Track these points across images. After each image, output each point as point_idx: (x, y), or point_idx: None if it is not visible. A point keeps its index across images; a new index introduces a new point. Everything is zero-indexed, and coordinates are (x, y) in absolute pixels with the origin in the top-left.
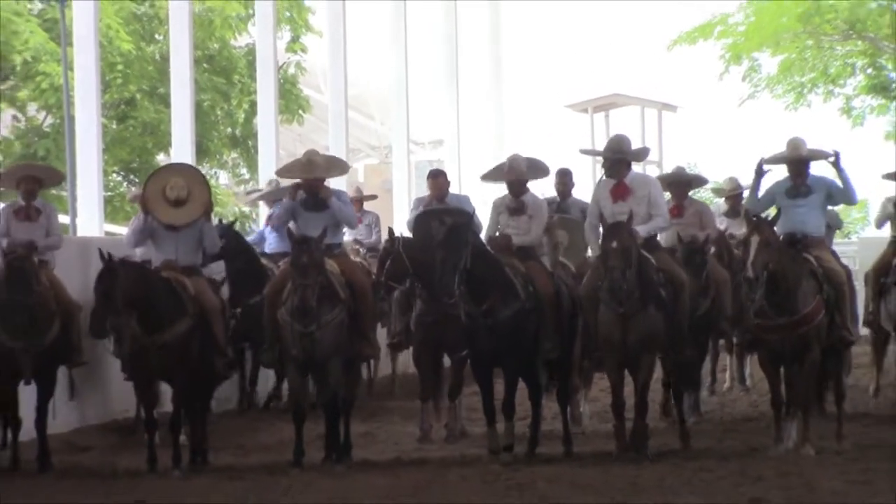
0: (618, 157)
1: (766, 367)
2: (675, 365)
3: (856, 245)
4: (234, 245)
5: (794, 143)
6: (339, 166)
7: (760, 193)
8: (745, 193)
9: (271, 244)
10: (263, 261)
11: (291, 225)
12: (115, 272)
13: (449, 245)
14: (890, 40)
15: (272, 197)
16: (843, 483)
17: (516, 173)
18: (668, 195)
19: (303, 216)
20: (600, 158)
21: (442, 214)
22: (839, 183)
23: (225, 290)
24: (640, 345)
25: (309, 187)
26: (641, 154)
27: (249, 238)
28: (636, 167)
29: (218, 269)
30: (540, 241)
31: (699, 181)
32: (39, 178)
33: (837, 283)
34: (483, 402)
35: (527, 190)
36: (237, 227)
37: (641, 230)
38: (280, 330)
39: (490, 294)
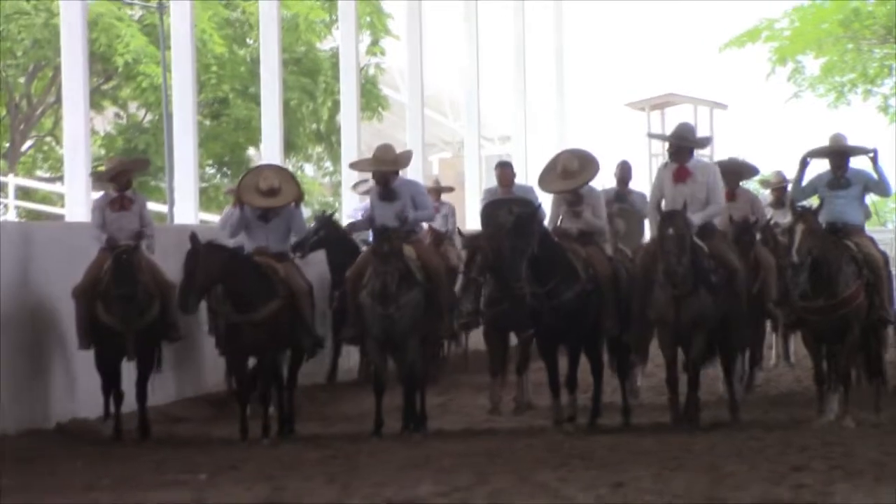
0: (682, 143)
1: (809, 346)
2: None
3: (892, 233)
4: (332, 234)
5: (836, 138)
6: (404, 158)
7: (804, 184)
8: (790, 186)
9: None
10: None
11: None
12: (198, 253)
13: (517, 233)
14: None
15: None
16: (880, 453)
17: (571, 177)
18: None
19: (378, 206)
20: (656, 154)
21: (510, 204)
22: (875, 176)
23: None
24: (692, 324)
25: (381, 178)
26: (704, 142)
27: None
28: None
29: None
30: (603, 226)
31: (751, 171)
32: (130, 169)
33: (876, 267)
34: (548, 377)
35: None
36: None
37: (696, 218)
38: (361, 311)
39: (553, 277)
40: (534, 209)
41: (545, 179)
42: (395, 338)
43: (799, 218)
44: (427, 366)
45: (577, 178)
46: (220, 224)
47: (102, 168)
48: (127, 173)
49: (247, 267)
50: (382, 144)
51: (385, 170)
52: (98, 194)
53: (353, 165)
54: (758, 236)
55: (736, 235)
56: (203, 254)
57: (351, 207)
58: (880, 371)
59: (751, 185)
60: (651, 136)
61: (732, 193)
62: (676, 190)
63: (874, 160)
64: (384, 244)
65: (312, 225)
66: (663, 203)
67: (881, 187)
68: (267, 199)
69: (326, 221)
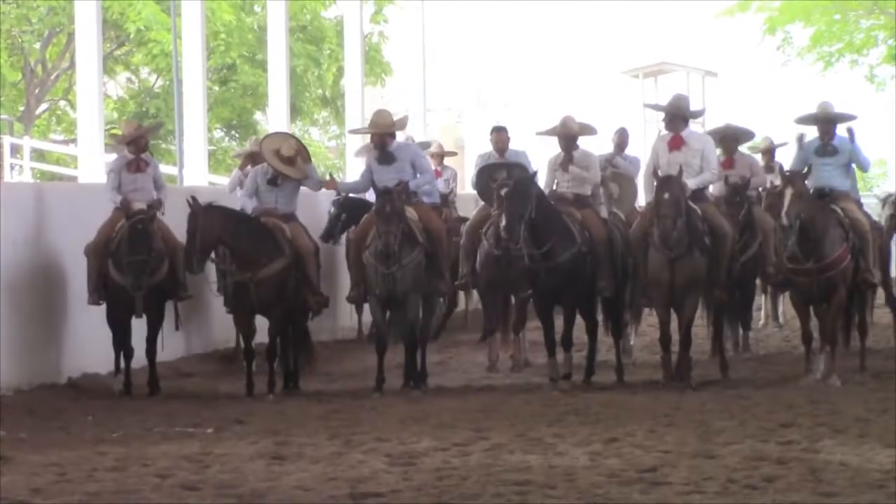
0: (677, 113)
1: (797, 307)
2: (718, 306)
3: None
4: (355, 213)
5: (823, 106)
6: (401, 122)
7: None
8: (777, 150)
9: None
10: None
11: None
12: (198, 215)
13: (515, 197)
14: None
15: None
16: (865, 410)
17: (567, 129)
18: (719, 151)
19: (377, 170)
20: (650, 120)
21: (506, 168)
22: (857, 153)
23: None
24: (685, 285)
25: (378, 142)
26: (697, 113)
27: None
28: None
29: None
30: (594, 180)
31: (747, 135)
32: (147, 133)
33: (861, 231)
34: (544, 336)
35: (577, 147)
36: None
37: (691, 182)
38: (364, 270)
39: (550, 239)
40: (532, 174)
41: (544, 131)
42: (396, 296)
43: (788, 182)
44: (429, 324)
45: (573, 133)
46: (228, 187)
47: (118, 131)
48: (144, 137)
49: (250, 226)
50: (379, 109)
51: (382, 132)
52: (112, 156)
53: (353, 131)
54: (761, 199)
55: (727, 197)
56: (203, 215)
57: (357, 173)
58: (865, 331)
59: (742, 150)
60: (648, 106)
61: (730, 160)
62: (671, 157)
63: (850, 137)
64: (386, 205)
65: (332, 210)
66: (659, 171)
67: (860, 161)
68: (285, 165)
69: (344, 203)
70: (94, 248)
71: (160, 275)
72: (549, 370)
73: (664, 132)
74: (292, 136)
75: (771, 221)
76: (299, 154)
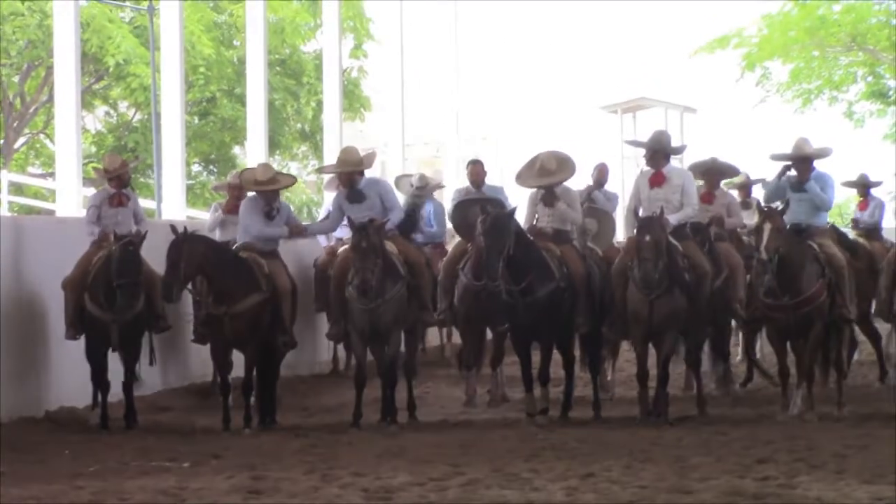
0: (658, 149)
1: (773, 342)
2: (696, 342)
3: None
4: None
5: (799, 144)
6: (368, 159)
7: (773, 187)
8: (755, 187)
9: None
10: None
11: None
12: (182, 243)
13: (494, 233)
14: (888, 51)
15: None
16: (843, 446)
17: (547, 175)
18: (700, 183)
19: (348, 209)
20: (628, 156)
21: (483, 203)
22: (829, 186)
23: None
24: (664, 322)
25: (346, 180)
26: (679, 150)
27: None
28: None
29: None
30: (577, 218)
31: (732, 171)
32: (129, 167)
33: (838, 267)
34: (522, 371)
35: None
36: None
37: (673, 219)
38: (347, 306)
39: (528, 274)
40: (510, 209)
41: (522, 175)
42: (379, 331)
43: (766, 217)
44: (413, 358)
45: (553, 177)
46: (209, 225)
47: (98, 165)
48: (127, 172)
49: (229, 259)
50: (347, 146)
51: (350, 170)
52: (91, 190)
53: (320, 170)
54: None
55: (692, 232)
56: (186, 244)
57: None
58: (841, 367)
59: (722, 186)
60: (629, 142)
61: (710, 195)
62: (652, 193)
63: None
64: (362, 240)
65: None
66: (640, 210)
67: (823, 197)
68: (266, 185)
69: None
70: (70, 282)
71: (137, 308)
72: (526, 405)
73: (646, 168)
74: (260, 164)
75: (738, 257)
76: (277, 174)
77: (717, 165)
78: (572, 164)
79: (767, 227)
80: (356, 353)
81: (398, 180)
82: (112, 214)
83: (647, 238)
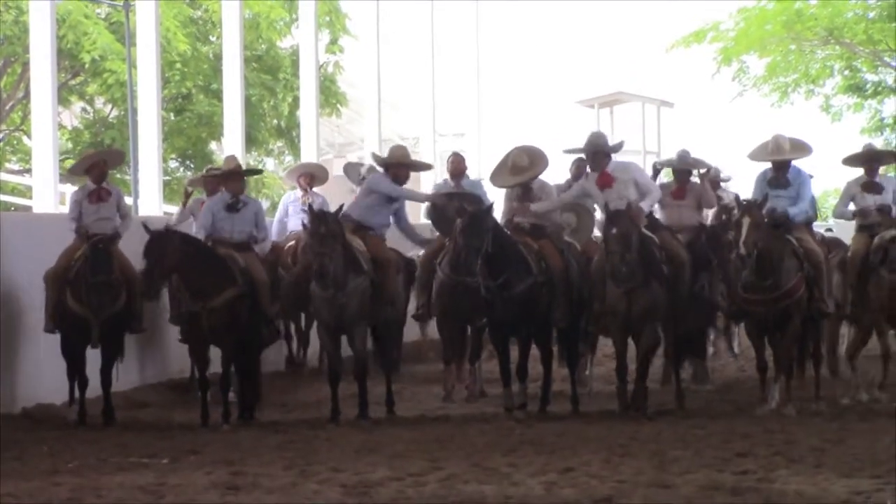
0: (597, 150)
1: (752, 336)
2: (675, 335)
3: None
4: None
5: (776, 142)
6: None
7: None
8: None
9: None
10: None
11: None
12: (160, 239)
13: (471, 230)
14: (865, 45)
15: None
16: (821, 440)
17: (520, 172)
18: (670, 178)
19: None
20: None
21: (461, 199)
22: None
23: None
24: (643, 316)
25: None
26: (617, 147)
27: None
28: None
29: None
30: (555, 217)
31: (701, 165)
32: (106, 160)
33: (816, 261)
34: (500, 366)
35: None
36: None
37: (644, 206)
38: (313, 300)
39: (506, 270)
40: (487, 206)
41: (496, 175)
42: (343, 324)
43: (745, 212)
44: (393, 354)
45: (525, 174)
46: (178, 218)
47: (73, 161)
48: (103, 165)
49: (205, 254)
50: (230, 156)
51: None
52: (72, 188)
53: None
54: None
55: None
56: (164, 240)
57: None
58: (818, 361)
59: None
60: (567, 151)
61: (682, 189)
62: (605, 195)
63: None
64: (321, 226)
65: None
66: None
67: (803, 195)
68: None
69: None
70: (52, 276)
71: (119, 304)
72: (504, 400)
73: (590, 172)
74: (232, 156)
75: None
76: (237, 165)
77: (687, 162)
78: (545, 158)
79: (746, 221)
80: (325, 347)
81: (347, 168)
82: (94, 210)
83: (615, 231)
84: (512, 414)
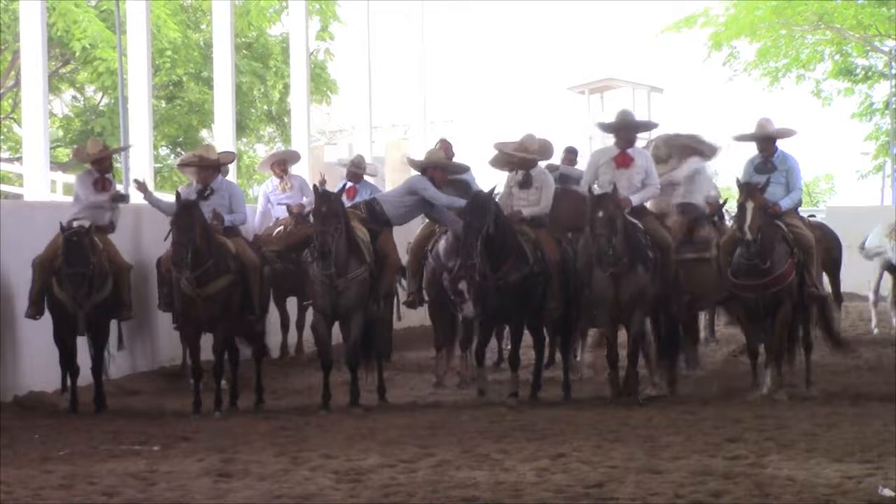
0: (629, 127)
1: (742, 322)
2: (666, 320)
3: (824, 213)
4: None
5: (761, 123)
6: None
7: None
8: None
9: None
10: None
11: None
12: (190, 208)
13: (474, 212)
14: (855, 30)
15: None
16: (812, 425)
17: (524, 150)
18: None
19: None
20: (597, 136)
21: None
22: (796, 168)
23: None
24: (631, 301)
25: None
26: (650, 125)
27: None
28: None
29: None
30: (547, 204)
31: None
32: (112, 154)
33: (806, 246)
34: (477, 347)
35: (535, 164)
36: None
37: (635, 199)
38: (313, 284)
39: (503, 258)
40: (490, 190)
41: (502, 145)
42: (340, 311)
43: (748, 196)
44: (384, 342)
45: (528, 154)
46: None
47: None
48: (110, 157)
49: (211, 236)
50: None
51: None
52: (63, 176)
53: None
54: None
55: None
56: (194, 209)
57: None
58: (810, 346)
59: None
60: (600, 126)
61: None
62: (618, 174)
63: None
64: (323, 205)
65: None
66: (595, 186)
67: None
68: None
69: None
70: (40, 262)
71: (104, 293)
72: (477, 382)
73: (605, 147)
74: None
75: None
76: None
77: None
78: (551, 150)
79: (750, 205)
80: (319, 334)
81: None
82: (94, 199)
83: (601, 214)
84: (503, 400)
